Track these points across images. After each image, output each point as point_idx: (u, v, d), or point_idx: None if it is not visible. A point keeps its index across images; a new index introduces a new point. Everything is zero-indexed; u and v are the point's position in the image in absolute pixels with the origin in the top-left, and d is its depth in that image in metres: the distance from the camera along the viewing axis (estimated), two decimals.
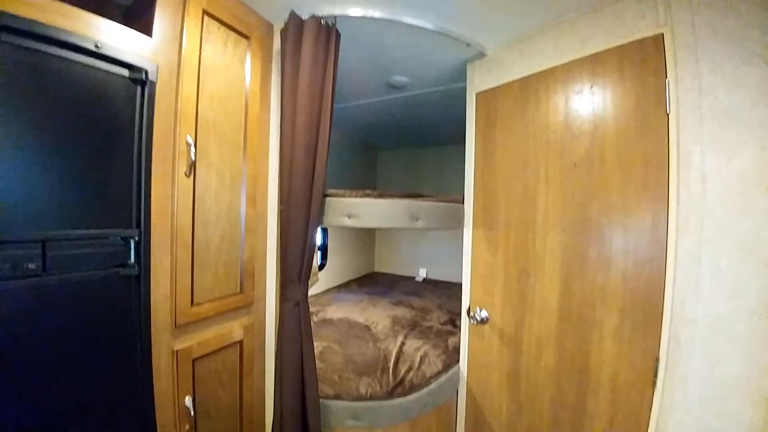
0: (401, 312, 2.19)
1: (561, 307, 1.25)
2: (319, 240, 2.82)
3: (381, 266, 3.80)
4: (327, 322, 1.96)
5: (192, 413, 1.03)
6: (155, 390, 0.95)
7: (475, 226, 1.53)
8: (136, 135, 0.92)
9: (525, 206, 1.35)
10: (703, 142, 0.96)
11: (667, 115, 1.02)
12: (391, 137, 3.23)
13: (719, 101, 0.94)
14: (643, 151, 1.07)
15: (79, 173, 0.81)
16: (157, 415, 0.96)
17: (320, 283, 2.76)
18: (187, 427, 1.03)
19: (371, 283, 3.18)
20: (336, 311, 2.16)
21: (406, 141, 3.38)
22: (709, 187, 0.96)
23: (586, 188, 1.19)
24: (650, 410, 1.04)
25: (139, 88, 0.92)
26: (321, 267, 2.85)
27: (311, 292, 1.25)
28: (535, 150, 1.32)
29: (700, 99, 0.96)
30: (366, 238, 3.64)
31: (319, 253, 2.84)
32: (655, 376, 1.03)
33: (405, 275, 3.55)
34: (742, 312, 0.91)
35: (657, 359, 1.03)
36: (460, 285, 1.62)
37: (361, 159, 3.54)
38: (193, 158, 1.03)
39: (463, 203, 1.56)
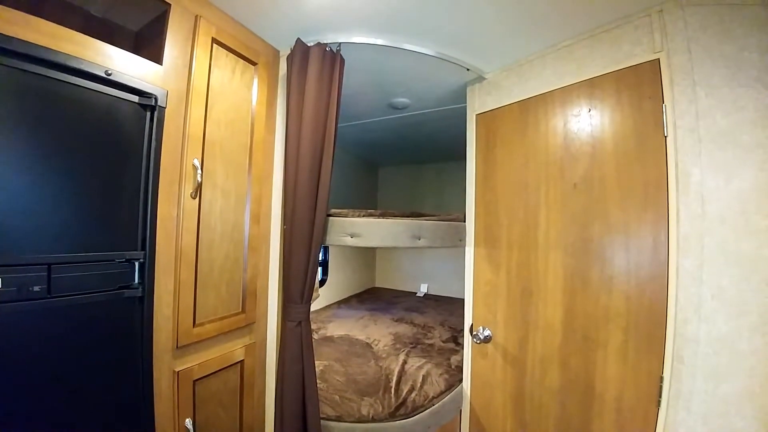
0: (402, 329, 2.17)
1: (564, 327, 1.24)
2: (320, 256, 2.82)
3: (382, 282, 3.79)
4: (328, 339, 1.95)
5: None
6: (156, 411, 0.94)
7: (476, 245, 1.54)
8: (144, 158, 0.94)
9: (526, 225, 1.36)
10: (702, 163, 0.97)
11: (665, 137, 1.04)
12: (392, 154, 3.27)
13: (717, 124, 0.96)
14: (642, 172, 1.09)
15: (87, 196, 0.83)
16: None
17: (321, 299, 2.74)
18: None
19: (372, 298, 3.16)
20: (337, 328, 2.15)
21: (407, 158, 3.43)
22: (709, 208, 0.97)
23: (586, 209, 1.20)
24: (655, 428, 1.03)
25: (148, 114, 0.95)
26: (322, 283, 2.84)
27: (311, 308, 1.25)
28: (536, 170, 1.34)
29: (697, 122, 0.98)
30: (367, 253, 3.64)
31: (319, 268, 2.84)
32: (660, 395, 1.02)
33: (406, 291, 3.53)
34: (744, 330, 0.92)
35: (661, 378, 1.02)
36: (462, 301, 1.61)
37: (363, 175, 3.58)
38: (200, 180, 1.05)
39: (465, 222, 1.57)
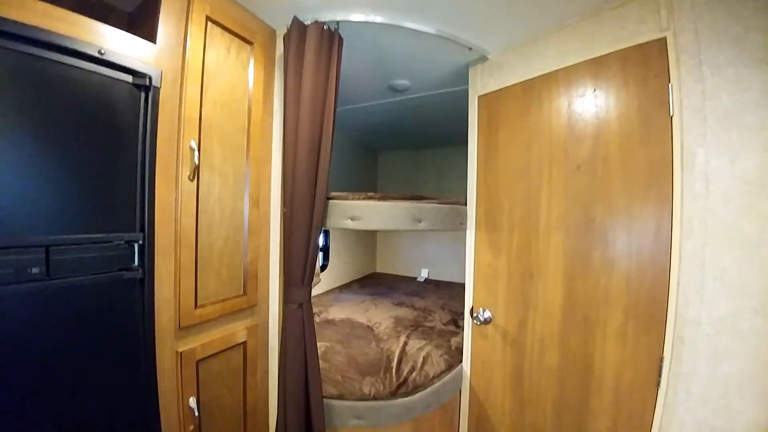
0: (403, 312, 2.19)
1: (565, 308, 1.25)
2: (320, 241, 2.83)
3: (383, 267, 3.81)
4: (329, 322, 1.97)
5: (196, 413, 1.04)
6: (160, 391, 0.96)
7: (477, 228, 1.53)
8: (140, 139, 0.92)
9: (528, 208, 1.35)
10: (707, 144, 0.96)
11: (671, 117, 1.02)
12: (392, 139, 3.23)
13: (722, 104, 0.94)
14: (646, 153, 1.08)
15: (83, 177, 0.82)
16: (162, 415, 0.97)
17: (322, 283, 2.77)
18: (192, 427, 1.04)
19: (373, 283, 3.19)
20: (338, 312, 2.17)
21: (407, 143, 3.39)
22: (713, 189, 0.97)
23: (589, 190, 1.19)
24: (654, 409, 1.05)
25: (142, 94, 0.93)
26: (323, 268, 2.86)
27: (313, 292, 1.26)
28: (538, 152, 1.32)
29: (703, 102, 0.97)
30: (368, 238, 3.65)
31: (320, 254, 2.85)
32: (659, 375, 1.03)
33: (407, 276, 3.55)
34: (746, 311, 0.92)
35: (661, 359, 1.03)
36: (462, 285, 1.62)
37: (363, 161, 3.55)
38: (197, 162, 1.04)
39: (466, 205, 1.57)
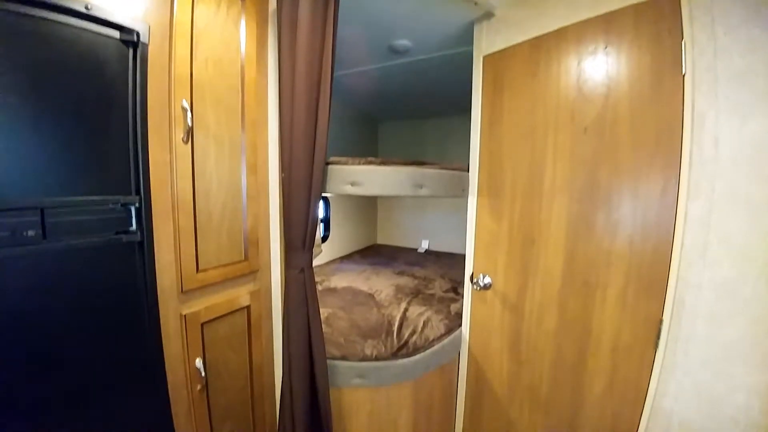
0: (404, 281, 2.22)
1: (564, 273, 1.26)
2: (321, 213, 2.82)
3: (383, 239, 3.82)
4: (331, 290, 2.00)
5: (203, 374, 1.07)
6: (165, 353, 0.98)
7: (479, 195, 1.51)
8: (130, 99, 0.89)
9: (532, 173, 1.32)
10: (718, 105, 0.94)
11: (683, 76, 0.98)
12: (392, 108, 3.13)
13: (734, 64, 0.91)
14: (656, 113, 1.04)
15: (75, 138, 0.80)
16: (168, 376, 0.99)
17: (323, 254, 2.79)
18: (199, 387, 1.07)
19: (374, 254, 3.21)
20: (340, 281, 2.20)
21: (408, 112, 3.29)
22: (722, 151, 0.95)
23: (596, 153, 1.16)
24: (651, 371, 1.08)
25: (131, 51, 0.89)
26: (324, 239, 2.87)
27: (314, 263, 1.27)
28: (545, 114, 1.28)
29: (715, 61, 0.93)
30: (368, 210, 3.64)
31: (321, 225, 2.85)
32: (658, 337, 1.05)
33: (407, 247, 3.57)
34: (750, 276, 0.92)
35: (660, 321, 1.04)
36: (463, 256, 1.63)
37: (362, 131, 3.47)
38: (190, 124, 1.00)
39: (468, 171, 1.54)
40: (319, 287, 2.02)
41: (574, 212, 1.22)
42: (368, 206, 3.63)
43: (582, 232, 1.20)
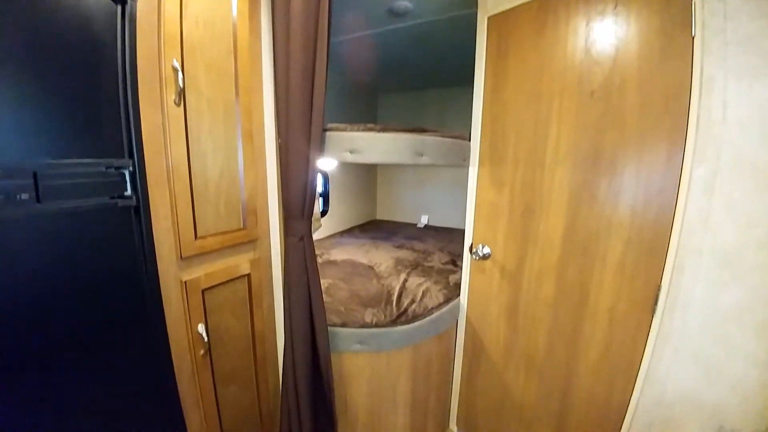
0: (403, 254, 2.23)
1: (564, 242, 1.26)
2: (320, 187, 2.80)
3: (382, 214, 3.82)
4: (331, 263, 2.01)
5: (206, 339, 1.09)
6: (167, 318, 0.99)
7: (481, 164, 1.49)
8: (120, 58, 0.85)
9: (535, 141, 1.29)
10: (727, 67, 0.92)
11: (692, 38, 0.96)
12: (392, 77, 3.03)
13: (743, 27, 0.89)
14: (664, 76, 1.02)
15: (65, 100, 0.76)
16: (171, 341, 1.00)
17: (323, 228, 2.79)
18: (202, 351, 1.09)
19: (373, 229, 3.22)
20: (340, 254, 2.21)
21: (408, 83, 3.19)
22: (730, 116, 0.93)
23: (602, 118, 1.13)
24: (647, 337, 1.09)
25: (119, 8, 0.84)
26: (323, 213, 2.86)
27: (314, 237, 1.26)
28: (551, 79, 1.23)
29: (725, 23, 0.91)
30: (367, 185, 3.61)
31: (321, 199, 2.84)
32: (656, 303, 1.06)
33: (407, 222, 3.58)
34: (751, 243, 0.92)
35: (659, 287, 1.05)
36: (462, 231, 1.63)
37: (361, 103, 3.38)
38: (182, 85, 0.96)
39: (470, 140, 1.50)
40: (319, 260, 2.03)
41: (576, 180, 1.20)
42: (367, 181, 3.59)
43: (584, 200, 1.19)
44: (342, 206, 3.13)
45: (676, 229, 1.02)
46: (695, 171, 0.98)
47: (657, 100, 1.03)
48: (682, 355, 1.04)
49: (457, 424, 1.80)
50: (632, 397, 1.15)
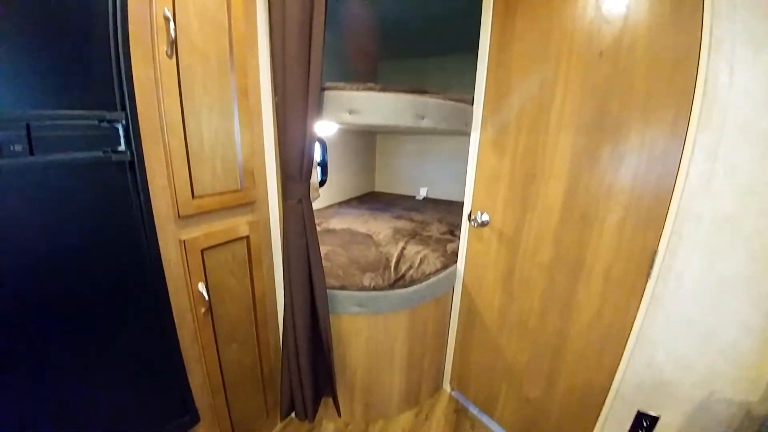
0: (402, 224, 2.24)
1: (563, 207, 1.25)
2: (318, 156, 2.75)
3: (381, 186, 3.80)
4: (330, 231, 2.02)
5: (207, 298, 1.10)
6: (167, 277, 0.99)
7: (483, 130, 1.46)
8: (110, 7, 0.80)
9: (539, 105, 1.26)
10: (735, 31, 0.89)
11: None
12: (393, 43, 2.91)
13: None
14: (674, 38, 0.98)
15: (54, 50, 0.73)
16: (172, 299, 1.02)
17: (322, 198, 2.77)
18: (203, 309, 1.11)
19: (372, 200, 3.21)
20: (338, 223, 2.21)
21: (410, 49, 3.07)
22: (737, 81, 0.90)
23: (609, 80, 1.10)
24: (640, 300, 1.11)
25: None
26: (321, 183, 2.84)
27: (313, 206, 1.25)
28: (559, 39, 1.18)
29: None
30: (366, 156, 3.56)
31: (319, 169, 2.80)
32: (651, 267, 1.07)
33: (405, 194, 3.56)
34: (752, 211, 0.91)
35: (655, 252, 1.06)
36: (461, 203, 1.62)
37: (360, 69, 3.26)
38: (173, 36, 0.91)
39: (472, 104, 1.46)
40: (317, 228, 2.04)
41: (579, 145, 1.18)
42: (366, 151, 3.54)
43: (585, 166, 1.18)
44: (340, 177, 3.10)
45: (677, 194, 1.01)
46: (699, 136, 0.96)
47: (665, 62, 1.00)
48: (675, 320, 1.05)
49: (450, 384, 1.88)
50: (623, 357, 1.19)
